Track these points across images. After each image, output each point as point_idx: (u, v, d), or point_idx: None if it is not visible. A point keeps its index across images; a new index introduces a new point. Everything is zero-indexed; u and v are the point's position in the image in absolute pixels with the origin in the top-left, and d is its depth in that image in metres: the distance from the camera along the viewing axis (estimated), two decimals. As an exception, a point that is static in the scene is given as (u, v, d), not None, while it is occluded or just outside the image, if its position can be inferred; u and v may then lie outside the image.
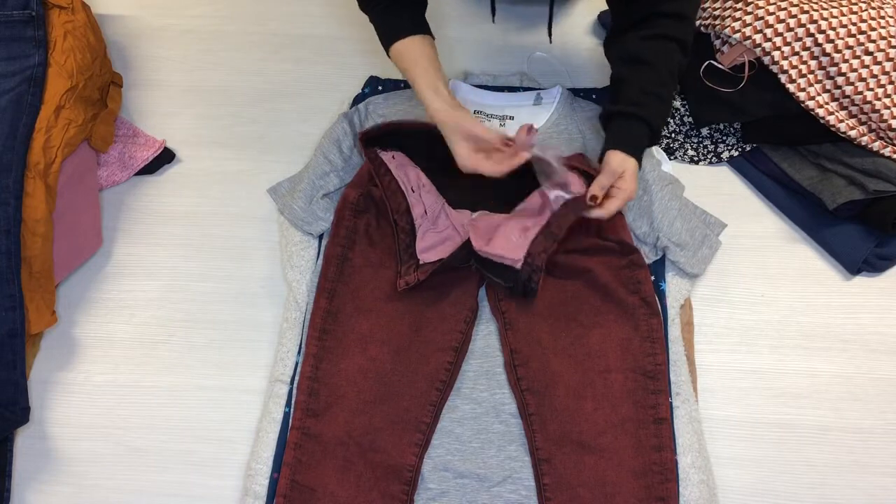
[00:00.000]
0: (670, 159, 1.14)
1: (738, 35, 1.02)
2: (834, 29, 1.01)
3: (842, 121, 1.02)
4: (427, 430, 0.92)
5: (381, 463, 0.90)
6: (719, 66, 1.06)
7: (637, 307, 0.96)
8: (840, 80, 1.01)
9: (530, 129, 0.91)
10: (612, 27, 0.99)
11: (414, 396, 0.93)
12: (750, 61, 1.04)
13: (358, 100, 1.17)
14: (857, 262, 1.04)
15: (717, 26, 1.06)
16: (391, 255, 1.00)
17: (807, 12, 1.01)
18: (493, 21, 1.24)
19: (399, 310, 0.97)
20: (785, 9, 1.01)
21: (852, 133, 1.02)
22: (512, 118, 1.12)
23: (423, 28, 0.96)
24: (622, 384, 0.92)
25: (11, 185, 0.96)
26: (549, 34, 1.15)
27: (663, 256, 1.03)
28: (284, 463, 0.91)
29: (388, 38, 0.96)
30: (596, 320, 0.96)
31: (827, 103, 1.03)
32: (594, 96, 1.17)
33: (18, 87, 1.00)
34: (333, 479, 0.90)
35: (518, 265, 0.93)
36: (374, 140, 1.03)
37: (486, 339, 0.98)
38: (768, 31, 1.01)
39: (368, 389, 0.93)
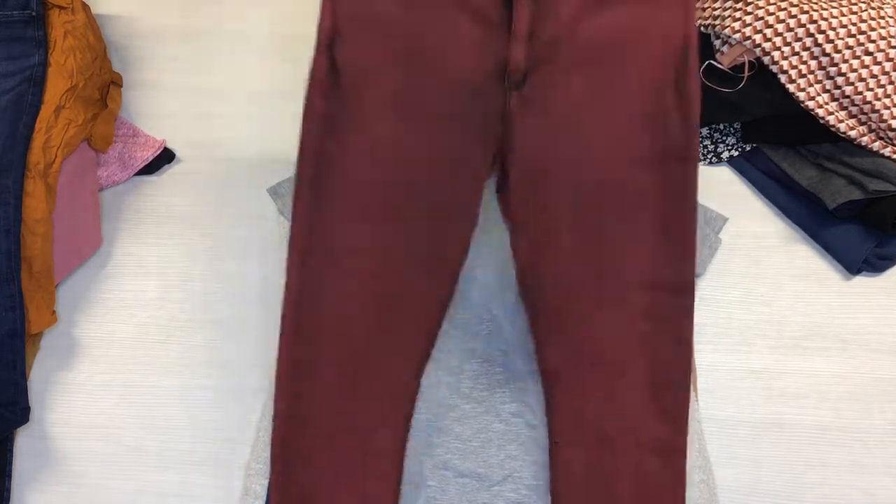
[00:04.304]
0: (670, 159, 1.14)
1: (737, 35, 1.03)
2: (834, 29, 1.01)
3: (842, 121, 1.02)
4: (428, 346, 0.84)
5: (380, 386, 0.83)
6: (719, 66, 1.06)
7: (671, 211, 0.81)
8: (840, 80, 1.02)
9: None
10: None
11: (412, 315, 0.83)
12: (750, 61, 1.04)
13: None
14: (857, 262, 1.04)
15: (717, 26, 1.06)
16: (380, 143, 0.81)
17: (807, 12, 1.01)
18: None
19: (389, 216, 0.82)
20: (785, 9, 1.02)
21: (852, 133, 1.03)
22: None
23: None
24: (644, 298, 0.82)
25: (11, 185, 0.96)
26: None
27: (663, 256, 1.02)
28: (277, 396, 0.82)
29: None
30: (623, 226, 0.82)
31: (827, 103, 1.03)
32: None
33: (18, 87, 1.00)
34: (327, 408, 0.82)
35: None
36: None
37: (486, 338, 0.98)
38: (768, 31, 1.01)
39: (362, 310, 0.83)
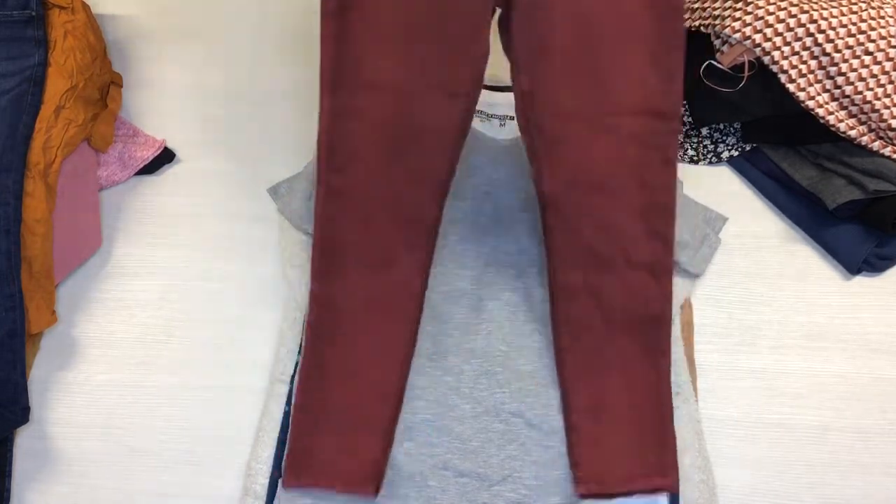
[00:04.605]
0: (670, 159, 1.14)
1: (738, 35, 1.03)
2: (834, 29, 1.01)
3: (842, 121, 1.03)
4: (447, 173, 0.90)
5: (404, 212, 0.91)
6: (719, 66, 1.07)
7: (659, 35, 0.87)
8: (840, 79, 1.02)
9: None
10: None
11: (431, 143, 0.90)
12: (750, 61, 1.04)
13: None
14: (857, 262, 1.04)
15: (717, 26, 1.06)
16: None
17: (807, 12, 1.01)
18: None
19: (404, 48, 0.88)
20: (785, 9, 1.02)
21: (852, 133, 1.03)
22: (513, 118, 1.12)
23: None
24: (634, 124, 0.88)
25: (11, 185, 0.96)
26: None
27: (663, 256, 1.02)
28: (315, 221, 0.91)
29: None
30: (615, 53, 0.87)
31: (827, 103, 1.03)
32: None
33: (18, 87, 1.00)
34: (358, 232, 0.91)
35: None
36: None
37: (486, 338, 0.98)
38: (768, 31, 1.01)
39: (383, 139, 0.90)
